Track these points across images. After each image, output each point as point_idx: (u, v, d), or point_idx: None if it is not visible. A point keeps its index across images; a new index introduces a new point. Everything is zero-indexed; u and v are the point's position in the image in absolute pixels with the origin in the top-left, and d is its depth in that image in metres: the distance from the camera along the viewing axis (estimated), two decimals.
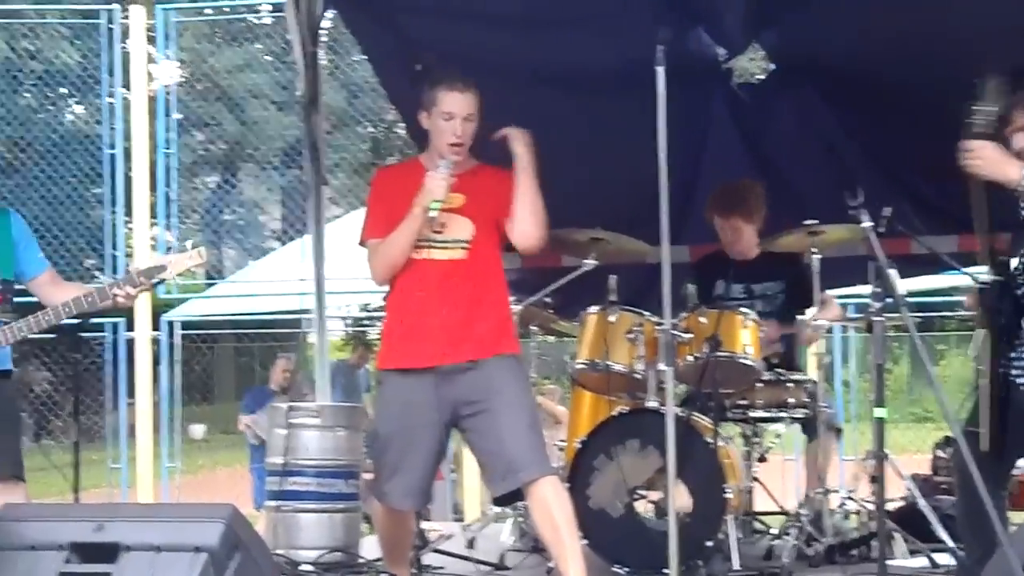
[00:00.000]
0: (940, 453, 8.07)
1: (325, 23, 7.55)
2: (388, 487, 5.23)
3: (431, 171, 5.09)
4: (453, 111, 5.13)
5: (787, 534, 6.16)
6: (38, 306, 5.38)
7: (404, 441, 5.18)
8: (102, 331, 12.10)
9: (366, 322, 20.44)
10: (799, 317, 6.38)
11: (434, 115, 5.17)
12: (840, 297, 10.70)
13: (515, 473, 5.03)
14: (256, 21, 22.07)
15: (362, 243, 5.32)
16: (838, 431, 6.68)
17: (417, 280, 5.19)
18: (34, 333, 5.30)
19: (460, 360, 5.13)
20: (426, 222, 5.09)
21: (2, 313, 5.32)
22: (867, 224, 5.20)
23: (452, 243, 5.18)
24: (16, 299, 5.43)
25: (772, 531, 6.67)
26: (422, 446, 5.18)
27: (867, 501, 6.30)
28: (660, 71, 4.86)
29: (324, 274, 7.57)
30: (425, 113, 5.21)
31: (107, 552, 4.05)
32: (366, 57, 8.58)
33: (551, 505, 5.02)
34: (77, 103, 18.73)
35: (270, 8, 18.73)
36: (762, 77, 7.92)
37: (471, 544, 6.78)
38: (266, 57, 20.42)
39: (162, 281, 5.45)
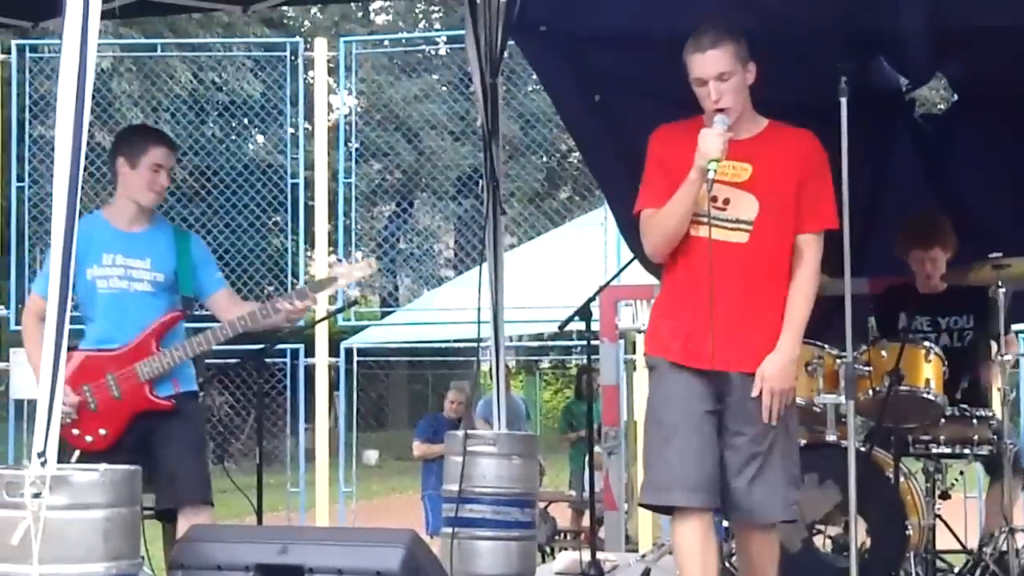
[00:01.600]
0: None
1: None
2: (669, 483, 4.66)
3: (703, 129, 4.58)
4: (701, 75, 4.63)
5: (970, 574, 6.03)
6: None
7: (689, 430, 4.63)
8: (283, 357, 12.35)
9: (538, 351, 20.54)
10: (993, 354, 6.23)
11: (691, 82, 4.68)
12: None
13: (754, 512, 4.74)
14: (433, 52, 22.38)
15: (636, 214, 4.83)
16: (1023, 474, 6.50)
17: (692, 262, 4.67)
18: (211, 347, 5.48)
19: (729, 369, 4.64)
20: (706, 191, 4.53)
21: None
22: None
23: (733, 223, 4.65)
24: (194, 323, 5.64)
25: (955, 570, 6.52)
26: (708, 436, 4.65)
27: None
28: (843, 102, 4.81)
29: (502, 303, 7.62)
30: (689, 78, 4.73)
31: (291, 574, 4.13)
32: (541, 87, 8.63)
33: (760, 558, 4.82)
34: (260, 133, 19.21)
35: (446, 40, 18.98)
36: (944, 107, 7.79)
37: (646, 574, 6.75)
38: (442, 88, 20.71)
39: (348, 303, 5.56)
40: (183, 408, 5.48)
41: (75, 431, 5.33)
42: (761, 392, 4.62)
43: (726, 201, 4.63)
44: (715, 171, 4.50)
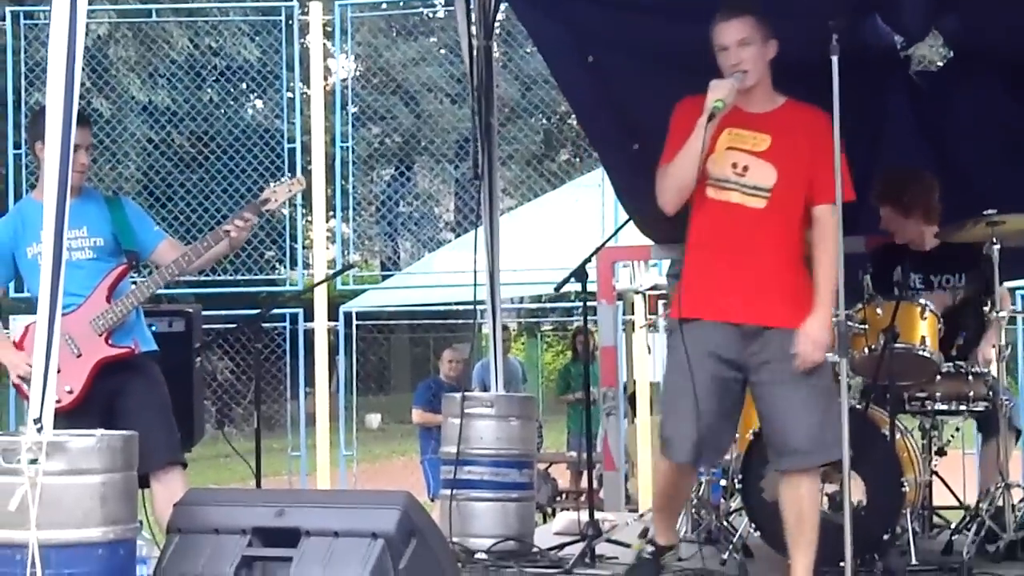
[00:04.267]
0: None
1: (499, 16, 7.61)
2: (669, 436, 5.09)
3: (713, 80, 4.90)
4: (723, 42, 4.97)
5: (967, 529, 6.05)
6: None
7: (694, 390, 4.95)
8: (282, 321, 12.37)
9: (538, 313, 20.56)
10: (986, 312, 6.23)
11: (716, 54, 4.99)
12: (1022, 289, 10.50)
13: (791, 456, 5.04)
14: (431, 15, 22.31)
15: (659, 167, 5.10)
16: (1018, 432, 6.52)
17: (712, 224, 4.98)
18: (159, 287, 5.63)
19: (752, 321, 4.98)
20: (723, 153, 4.91)
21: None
22: None
23: (751, 189, 4.96)
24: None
25: (951, 526, 6.54)
26: (713, 397, 4.99)
27: None
28: (835, 59, 4.81)
29: (498, 265, 7.63)
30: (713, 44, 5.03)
31: (288, 537, 4.16)
32: (537, 49, 8.62)
33: (803, 500, 5.09)
34: (257, 98, 19.17)
35: (444, 2, 18.91)
36: (941, 65, 7.76)
37: (644, 534, 6.77)
38: (440, 51, 20.66)
39: (346, 266, 5.63)
40: (144, 368, 5.60)
41: None
42: (800, 347, 4.90)
43: (745, 168, 4.93)
44: (719, 109, 4.77)
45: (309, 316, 12.03)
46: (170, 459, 5.45)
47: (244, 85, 17.87)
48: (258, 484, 6.27)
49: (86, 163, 5.64)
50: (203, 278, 11.53)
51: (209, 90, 17.50)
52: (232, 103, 16.52)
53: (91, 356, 5.47)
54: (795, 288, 5.01)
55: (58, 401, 5.26)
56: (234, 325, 8.65)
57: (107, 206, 5.69)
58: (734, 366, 5.03)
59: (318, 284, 11.40)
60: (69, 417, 5.02)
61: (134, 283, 5.71)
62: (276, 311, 11.77)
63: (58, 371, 5.27)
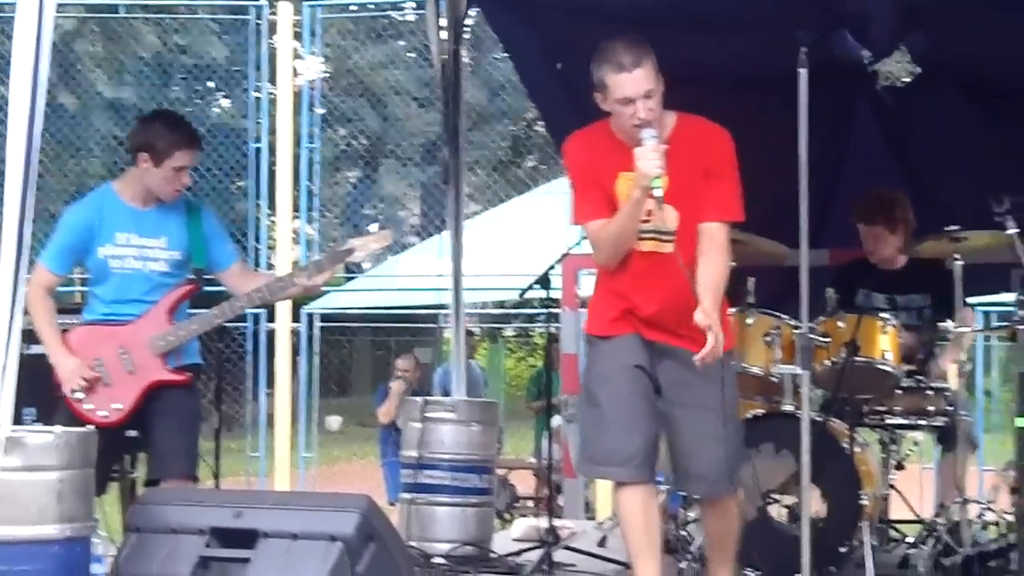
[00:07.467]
0: None
1: (468, 21, 7.61)
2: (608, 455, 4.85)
3: (638, 148, 4.63)
4: (630, 95, 4.69)
5: (923, 543, 6.08)
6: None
7: (622, 404, 4.83)
8: (244, 321, 12.31)
9: (502, 319, 20.56)
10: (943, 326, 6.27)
11: (609, 100, 4.75)
12: (984, 305, 10.57)
13: (699, 483, 5.00)
14: (400, 18, 22.27)
15: (578, 223, 4.99)
16: (974, 446, 6.55)
17: (628, 272, 4.86)
18: (226, 319, 5.49)
19: (665, 340, 4.87)
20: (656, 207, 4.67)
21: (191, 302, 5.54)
22: (1012, 231, 5.11)
23: (658, 234, 4.82)
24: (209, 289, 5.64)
25: (908, 540, 6.57)
26: (642, 406, 4.85)
27: (1007, 513, 6.19)
28: (802, 73, 4.82)
29: (462, 270, 7.63)
30: (600, 95, 4.79)
31: (245, 538, 4.15)
32: (507, 55, 8.63)
33: (724, 519, 5.10)
34: (224, 97, 19.08)
35: (414, 5, 18.88)
36: (908, 80, 7.81)
37: (602, 542, 6.79)
38: (409, 54, 20.59)
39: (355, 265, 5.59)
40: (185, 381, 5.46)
41: (88, 406, 5.27)
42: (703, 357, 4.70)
43: (648, 213, 4.75)
44: (661, 187, 4.60)
45: (271, 317, 11.98)
46: (185, 472, 5.32)
47: (211, 84, 17.80)
48: (217, 484, 6.24)
49: (187, 183, 5.50)
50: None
51: (176, 88, 17.39)
52: (199, 101, 16.45)
53: (145, 376, 5.32)
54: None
55: (106, 416, 5.24)
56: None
57: (187, 215, 5.50)
58: (652, 378, 4.89)
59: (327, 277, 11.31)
60: (115, 431, 4.99)
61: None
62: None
63: (108, 384, 5.29)
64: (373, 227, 5.62)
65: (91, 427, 3.99)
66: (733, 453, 4.93)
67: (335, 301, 14.77)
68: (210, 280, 5.61)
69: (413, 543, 6.27)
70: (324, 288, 13.95)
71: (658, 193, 4.61)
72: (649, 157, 4.61)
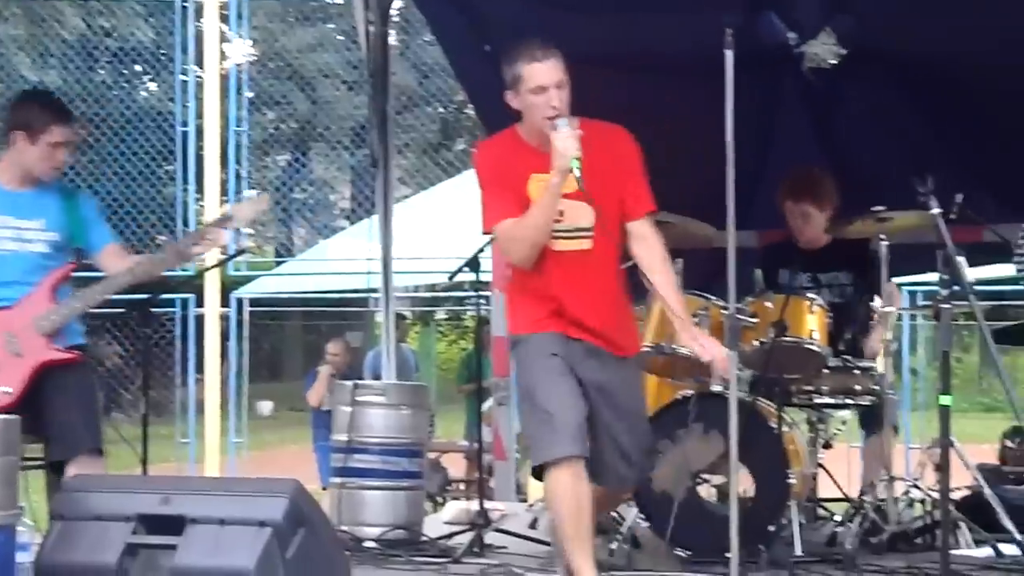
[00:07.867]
0: (1008, 443, 7.97)
1: (396, 3, 7.59)
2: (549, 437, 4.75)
3: (555, 131, 4.67)
4: (544, 83, 4.73)
5: (850, 521, 6.13)
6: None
7: (556, 387, 4.80)
8: (172, 307, 12.23)
9: (432, 302, 20.55)
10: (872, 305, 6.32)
11: (523, 92, 4.78)
12: (909, 285, 10.68)
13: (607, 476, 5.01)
14: (328, 1, 22.16)
15: (488, 231, 4.95)
16: (896, 428, 6.62)
17: (541, 274, 4.87)
18: (107, 296, 5.41)
19: (589, 340, 4.88)
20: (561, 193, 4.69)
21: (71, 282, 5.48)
22: (936, 211, 5.16)
23: (572, 232, 4.84)
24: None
25: (836, 518, 6.63)
26: (572, 391, 4.82)
27: (932, 490, 6.26)
28: (728, 55, 4.83)
29: (392, 253, 7.61)
30: (512, 92, 4.82)
31: (173, 524, 4.11)
32: (436, 37, 8.61)
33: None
34: (151, 80, 18.93)
35: None
36: (834, 62, 7.84)
37: (533, 524, 6.79)
38: (338, 37, 20.52)
39: (238, 250, 5.52)
40: (73, 359, 5.40)
41: None
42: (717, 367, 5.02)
43: (561, 212, 4.79)
44: (579, 167, 4.64)
45: (200, 302, 11.91)
46: (90, 447, 5.24)
47: (137, 67, 17.64)
48: (144, 471, 6.19)
49: (65, 160, 5.44)
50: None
51: (102, 71, 17.23)
52: (125, 85, 16.30)
53: (33, 357, 5.24)
54: (626, 318, 5.08)
55: None
56: (122, 310, 8.48)
57: (64, 198, 5.45)
58: (575, 374, 4.89)
59: (209, 269, 11.24)
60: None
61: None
62: (166, 296, 11.61)
63: None
64: (250, 193, 5.52)
65: (14, 415, 3.93)
66: (643, 453, 5.11)
67: (265, 285, 14.72)
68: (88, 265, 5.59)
69: (344, 527, 6.24)
70: (253, 272, 13.87)
71: (577, 174, 4.64)
72: (566, 138, 4.66)
